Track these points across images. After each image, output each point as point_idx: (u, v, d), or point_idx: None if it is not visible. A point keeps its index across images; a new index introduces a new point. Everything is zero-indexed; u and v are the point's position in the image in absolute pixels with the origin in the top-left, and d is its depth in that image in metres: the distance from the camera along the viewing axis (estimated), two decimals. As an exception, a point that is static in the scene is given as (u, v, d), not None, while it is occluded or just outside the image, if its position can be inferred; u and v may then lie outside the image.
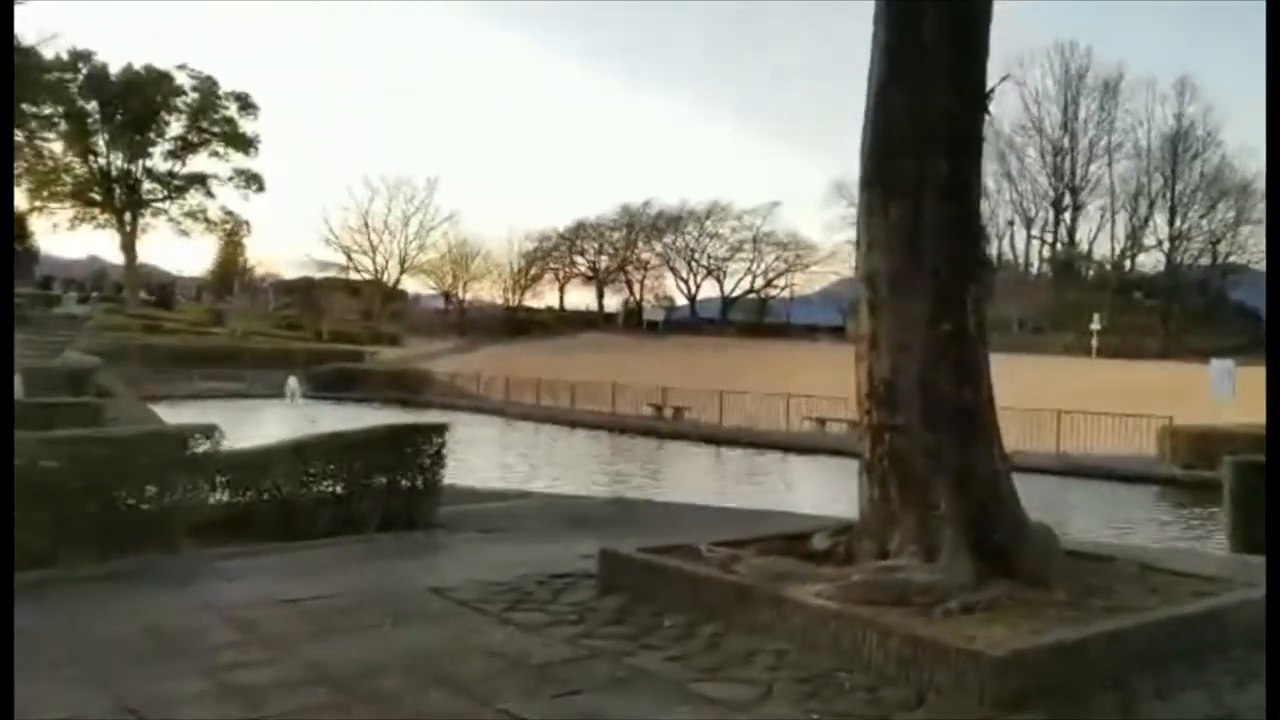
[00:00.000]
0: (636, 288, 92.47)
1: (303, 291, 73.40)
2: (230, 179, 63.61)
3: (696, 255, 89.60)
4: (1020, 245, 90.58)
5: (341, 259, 78.18)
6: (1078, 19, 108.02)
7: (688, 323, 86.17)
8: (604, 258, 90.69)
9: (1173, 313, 76.08)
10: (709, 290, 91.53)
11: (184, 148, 63.30)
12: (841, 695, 5.08)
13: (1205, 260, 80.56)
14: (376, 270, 78.67)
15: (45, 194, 60.67)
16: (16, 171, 57.77)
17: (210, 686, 4.97)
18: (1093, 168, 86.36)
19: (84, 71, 59.02)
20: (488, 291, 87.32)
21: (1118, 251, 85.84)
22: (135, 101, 59.74)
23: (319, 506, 9.31)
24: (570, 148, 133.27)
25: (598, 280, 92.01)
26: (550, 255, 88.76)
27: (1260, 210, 72.45)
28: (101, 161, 61.43)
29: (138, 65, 59.75)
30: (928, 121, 6.68)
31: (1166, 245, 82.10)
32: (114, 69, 59.82)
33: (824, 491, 18.07)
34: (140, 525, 7.96)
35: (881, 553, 6.63)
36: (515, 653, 5.59)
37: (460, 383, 43.52)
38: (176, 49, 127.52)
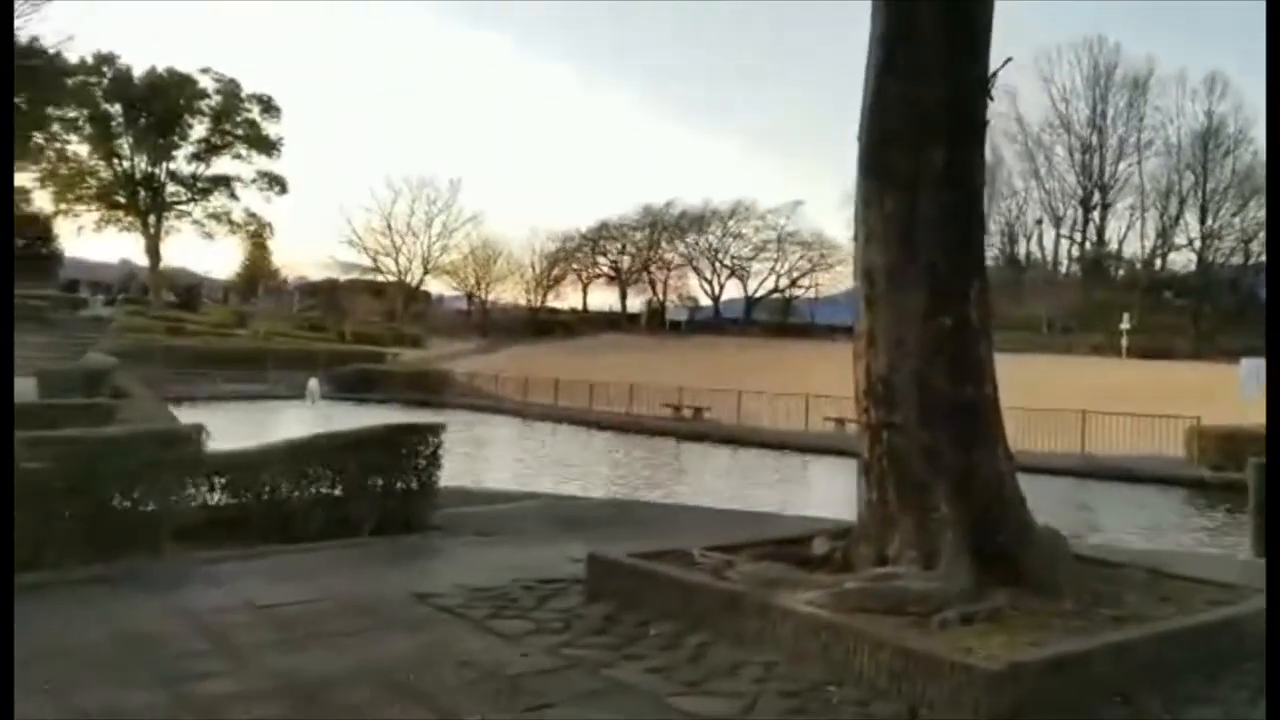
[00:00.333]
0: (659, 288, 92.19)
1: (326, 293, 73.64)
2: (253, 181, 63.97)
3: (720, 255, 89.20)
4: (1049, 244, 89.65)
5: (365, 260, 78.54)
6: (1105, 14, 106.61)
7: (711, 323, 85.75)
8: (627, 258, 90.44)
9: (1204, 312, 74.90)
10: (733, 290, 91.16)
11: (207, 150, 63.65)
12: (829, 710, 4.83)
13: (1237, 259, 79.24)
14: (400, 271, 78.91)
15: (70, 197, 61.18)
16: (41, 175, 58.40)
17: (165, 698, 4.77)
18: (1122, 165, 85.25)
19: (108, 75, 59.47)
20: (510, 292, 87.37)
21: (1148, 250, 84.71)
22: (159, 104, 60.10)
23: (313, 508, 9.11)
24: (589, 149, 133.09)
25: (620, 281, 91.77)
26: (573, 256, 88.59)
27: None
28: (126, 164, 61.86)
29: (160, 68, 60.22)
30: (925, 110, 6.41)
31: (1197, 244, 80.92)
32: (137, 72, 60.34)
33: (838, 494, 17.68)
34: (126, 528, 7.79)
35: (880, 558, 6.36)
36: (491, 663, 5.36)
37: (480, 383, 43.38)
38: (196, 51, 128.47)
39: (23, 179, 57.95)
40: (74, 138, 59.35)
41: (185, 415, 30.41)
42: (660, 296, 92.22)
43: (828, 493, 18.84)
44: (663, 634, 5.91)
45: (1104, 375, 46.74)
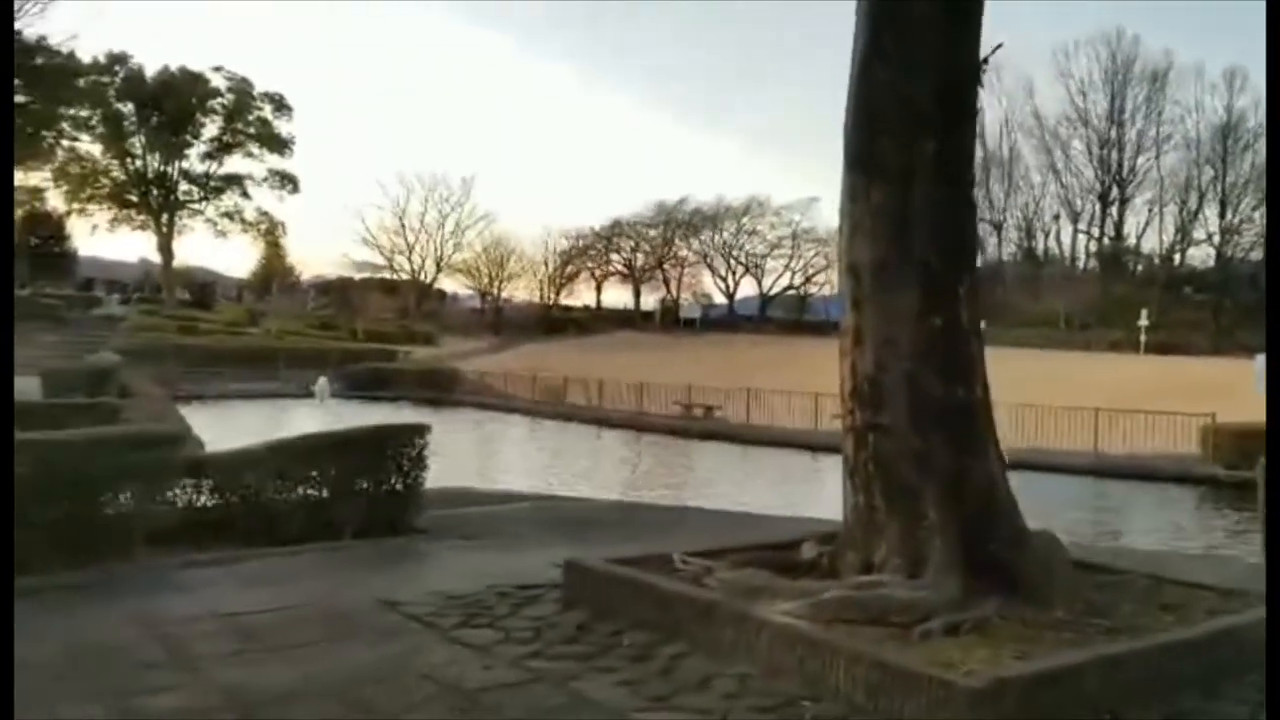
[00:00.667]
0: (673, 285, 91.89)
1: (339, 291, 73.65)
2: (265, 180, 64.02)
3: (734, 252, 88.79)
4: (1066, 240, 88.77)
5: (379, 259, 78.53)
6: (1123, 8, 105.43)
7: (725, 320, 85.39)
8: (640, 255, 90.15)
9: (1224, 307, 74.00)
10: (748, 288, 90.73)
11: (219, 149, 63.73)
12: (801, 728, 4.58)
13: (1257, 254, 78.24)
14: (413, 270, 78.85)
15: (84, 196, 61.38)
16: (54, 174, 58.56)
17: (105, 714, 4.57)
18: (1140, 160, 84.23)
19: (120, 74, 59.62)
20: (524, 290, 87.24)
21: (1166, 245, 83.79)
22: (171, 103, 60.21)
23: (294, 511, 8.93)
24: (601, 146, 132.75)
25: (634, 278, 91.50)
26: (586, 253, 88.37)
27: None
28: (138, 163, 62.01)
29: (172, 67, 60.32)
30: (914, 98, 6.15)
31: (1217, 239, 79.99)
32: (150, 71, 60.45)
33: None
34: (99, 532, 7.61)
35: (866, 565, 6.11)
36: (452, 676, 5.14)
37: (490, 381, 43.20)
38: (207, 50, 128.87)
39: (36, 178, 58.32)
40: (86, 137, 59.58)
41: (194, 414, 30.39)
42: (674, 294, 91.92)
43: (834, 493, 18.53)
44: (636, 644, 5.68)
45: (1122, 371, 46.14)
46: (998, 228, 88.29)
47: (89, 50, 55.17)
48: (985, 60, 6.31)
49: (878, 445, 6.15)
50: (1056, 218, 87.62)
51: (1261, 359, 24.75)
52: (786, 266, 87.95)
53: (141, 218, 63.14)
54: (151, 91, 60.31)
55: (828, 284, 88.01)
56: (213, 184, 64.14)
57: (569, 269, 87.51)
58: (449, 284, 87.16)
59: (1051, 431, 23.31)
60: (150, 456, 7.89)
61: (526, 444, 27.56)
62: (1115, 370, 46.80)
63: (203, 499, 9.34)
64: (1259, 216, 77.12)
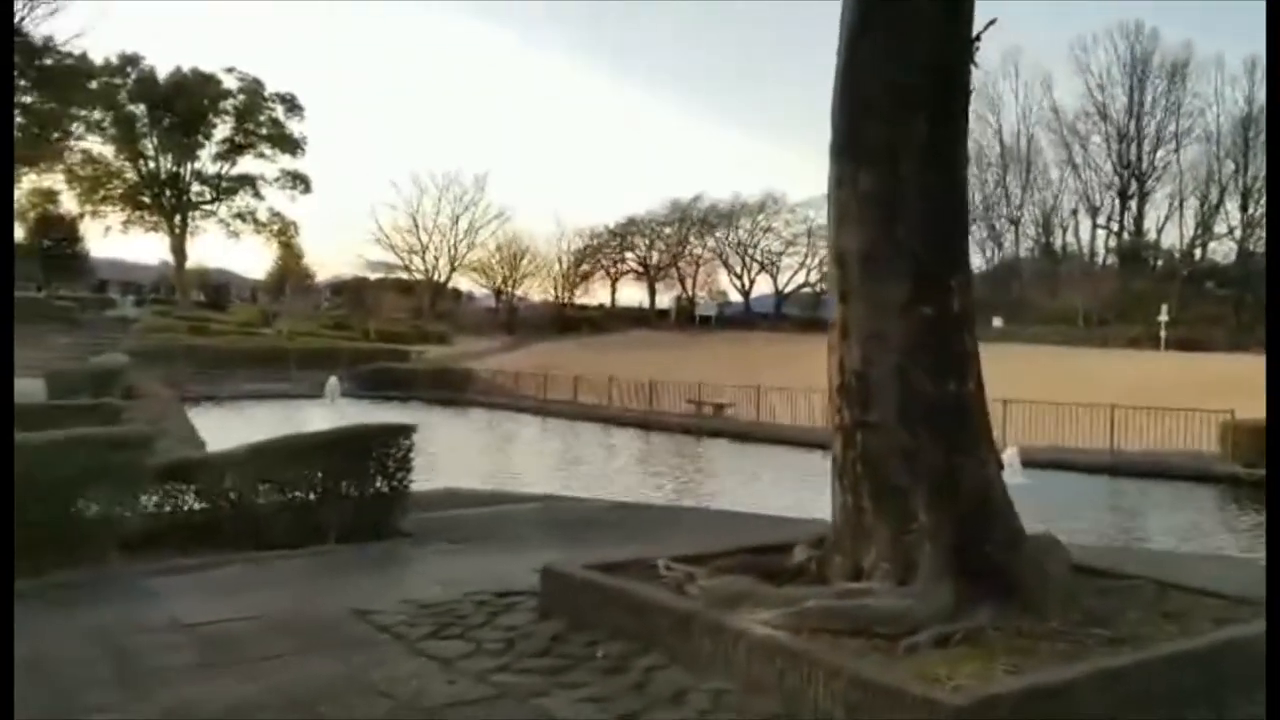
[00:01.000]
0: (689, 283, 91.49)
1: (352, 291, 73.65)
2: (276, 180, 64.04)
3: (749, 249, 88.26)
4: (1085, 235, 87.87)
5: (393, 258, 78.43)
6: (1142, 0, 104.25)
7: (741, 318, 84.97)
8: (655, 253, 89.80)
9: (1246, 303, 72.98)
10: (763, 285, 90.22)
11: (231, 150, 63.76)
12: (775, 748, 4.29)
13: (1280, 247, 77.18)
14: (427, 269, 78.73)
15: (96, 198, 61.54)
16: (66, 175, 58.68)
17: (34, 735, 4.32)
18: (1160, 154, 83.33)
19: (132, 75, 59.74)
20: (538, 289, 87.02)
21: (1187, 240, 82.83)
22: (183, 104, 60.27)
23: (277, 515, 8.71)
24: (614, 144, 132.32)
25: (649, 276, 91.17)
26: (600, 252, 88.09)
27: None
28: (151, 165, 62.13)
29: (184, 68, 60.35)
30: (904, 76, 5.82)
31: (1239, 233, 79.03)
32: (161, 73, 60.45)
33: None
34: (67, 539, 7.40)
35: (855, 570, 5.81)
36: (412, 691, 4.87)
37: (501, 381, 43.00)
38: (218, 51, 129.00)
39: (49, 180, 58.52)
40: (99, 139, 59.74)
41: (204, 415, 30.40)
42: (689, 292, 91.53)
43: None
44: (611, 656, 5.40)
45: (1141, 368, 45.53)
46: (1015, 223, 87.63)
47: (100, 52, 55.36)
48: (977, 38, 5.99)
49: (866, 444, 5.85)
50: (1075, 213, 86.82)
51: (1283, 354, 24.26)
52: (802, 264, 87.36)
53: (154, 219, 63.26)
54: (163, 93, 60.40)
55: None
56: (225, 185, 64.18)
57: (583, 267, 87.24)
58: (464, 283, 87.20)
59: (1068, 429, 22.87)
60: (123, 458, 7.65)
61: (533, 444, 27.34)
62: (1134, 367, 46.18)
63: (188, 502, 9.24)
64: (1281, 209, 75.97)
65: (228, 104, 62.46)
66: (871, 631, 5.00)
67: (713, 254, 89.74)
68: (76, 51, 42.56)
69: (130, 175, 61.89)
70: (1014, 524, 5.82)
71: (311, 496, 8.75)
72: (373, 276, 79.25)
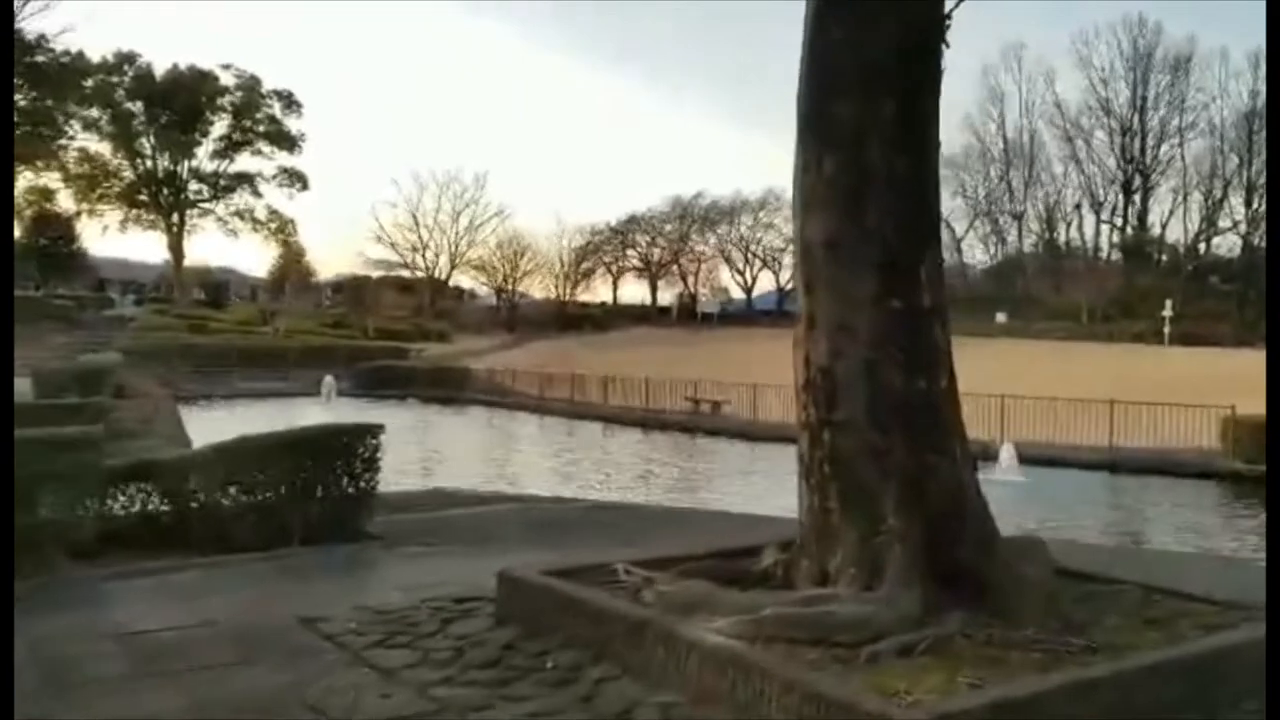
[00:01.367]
0: (690, 281, 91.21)
1: (351, 289, 73.41)
2: (274, 177, 63.73)
3: (751, 246, 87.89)
4: (1089, 230, 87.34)
5: (393, 256, 78.11)
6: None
7: (743, 315, 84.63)
8: (656, 250, 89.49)
9: (1250, 298, 72.51)
10: (765, 282, 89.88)
11: (229, 147, 63.47)
12: (722, 768, 4.02)
13: (1285, 241, 76.66)
14: (427, 267, 78.42)
15: (94, 196, 61.30)
16: (62, 173, 58.41)
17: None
18: (1164, 148, 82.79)
19: (129, 73, 59.46)
20: (540, 287, 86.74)
21: (1191, 235, 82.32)
22: (179, 102, 59.97)
23: (241, 517, 8.46)
24: (615, 141, 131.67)
25: (650, 274, 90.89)
26: (602, 249, 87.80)
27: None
28: (148, 163, 61.87)
29: (181, 65, 60.03)
30: (872, 55, 5.54)
31: (1243, 227, 78.47)
32: (158, 70, 60.15)
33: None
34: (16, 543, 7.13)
35: (821, 575, 5.54)
36: (345, 706, 4.62)
37: (499, 379, 42.74)
38: (214, 47, 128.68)
39: (45, 179, 58.25)
40: (95, 136, 59.45)
41: (198, 414, 30.18)
42: (691, 289, 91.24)
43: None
44: (561, 666, 5.14)
45: (1144, 364, 45.21)
46: (1018, 218, 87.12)
47: (97, 49, 55.04)
48: (949, 16, 5.70)
49: (833, 443, 5.57)
50: (1078, 207, 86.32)
51: (1285, 348, 23.93)
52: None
53: (152, 217, 63.00)
54: (160, 90, 60.08)
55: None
56: (223, 182, 63.89)
57: (584, 265, 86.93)
58: (466, 281, 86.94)
59: (1068, 425, 22.54)
60: (71, 460, 7.39)
61: (526, 443, 27.06)
62: (1137, 362, 45.86)
63: (152, 504, 9.00)
64: (1286, 204, 75.51)
65: (225, 101, 62.13)
66: (832, 640, 4.74)
67: (715, 251, 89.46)
68: (63, 48, 42.37)
69: (127, 173, 61.63)
70: (988, 526, 5.55)
71: (276, 498, 8.49)
72: (374, 274, 79.07)
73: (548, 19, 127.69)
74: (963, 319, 77.15)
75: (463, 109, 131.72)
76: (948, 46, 5.72)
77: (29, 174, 53.06)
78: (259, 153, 63.50)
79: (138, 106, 60.40)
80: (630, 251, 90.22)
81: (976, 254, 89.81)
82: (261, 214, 64.46)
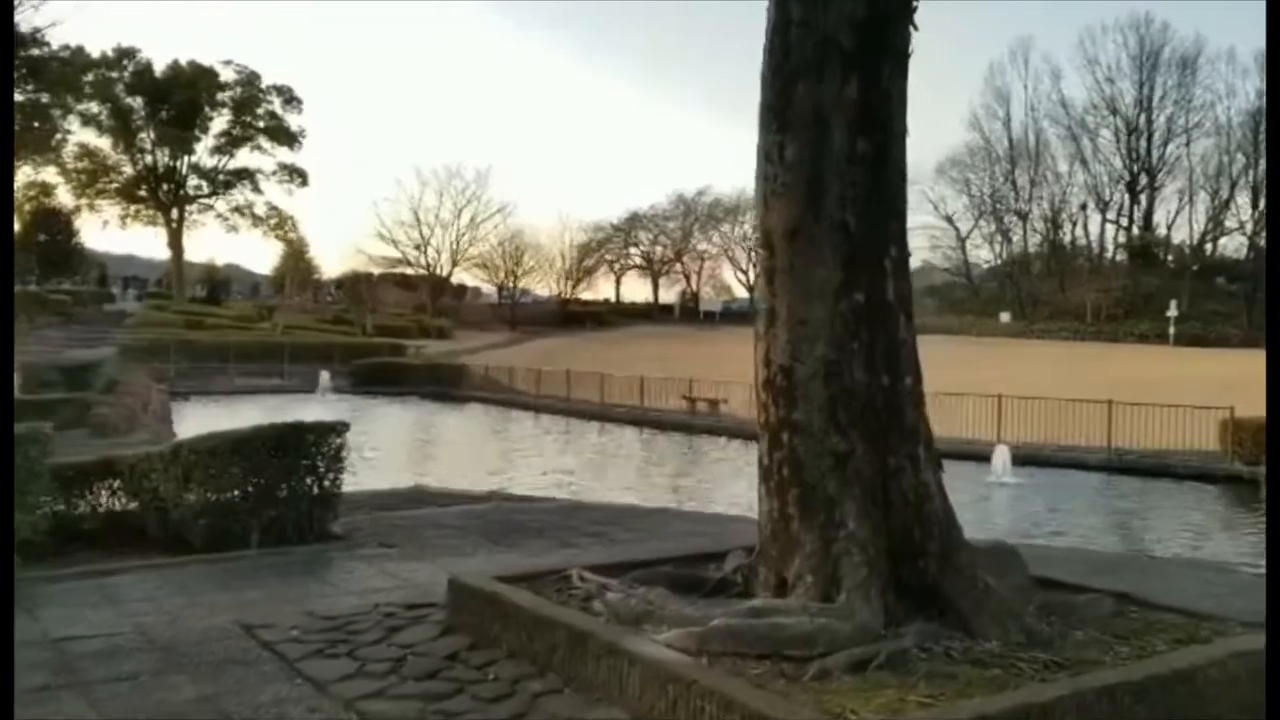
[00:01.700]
0: (693, 279, 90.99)
1: (351, 286, 73.22)
2: (274, 173, 63.50)
3: (755, 245, 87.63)
4: (1094, 230, 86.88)
5: (395, 253, 77.84)
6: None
7: (746, 313, 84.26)
8: (659, 248, 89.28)
9: (1257, 299, 72.05)
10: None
11: (229, 143, 63.26)
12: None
13: (1292, 242, 76.17)
14: (429, 264, 78.18)
15: (93, 191, 61.16)
16: (60, 168, 58.24)
17: None
18: (1170, 148, 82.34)
19: (128, 68, 59.30)
20: (542, 284, 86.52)
21: (1197, 235, 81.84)
22: (179, 97, 59.78)
23: (199, 516, 8.21)
24: (619, 139, 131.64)
25: (653, 271, 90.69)
26: (604, 247, 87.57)
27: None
28: (148, 158, 61.69)
29: (181, 61, 59.78)
30: (834, 33, 5.27)
31: (1250, 228, 78.03)
32: (158, 66, 59.97)
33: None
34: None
35: (780, 583, 5.28)
36: None
37: (497, 376, 42.52)
38: (214, 43, 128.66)
39: (44, 173, 58.14)
40: (94, 131, 59.28)
41: (190, 410, 30.02)
42: (694, 287, 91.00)
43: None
44: (502, 680, 4.89)
45: (1147, 364, 44.87)
46: (1023, 217, 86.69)
47: (97, 45, 54.82)
48: (916, -3, 5.44)
49: (792, 445, 5.31)
50: (1084, 207, 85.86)
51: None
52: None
53: (151, 213, 62.82)
54: (160, 85, 59.92)
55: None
56: (222, 178, 63.69)
57: (587, 262, 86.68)
58: (468, 278, 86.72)
59: (1066, 426, 22.24)
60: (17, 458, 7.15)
61: (516, 440, 26.80)
62: (1140, 363, 45.53)
63: (110, 503, 8.81)
64: (1293, 204, 75.07)
65: (225, 97, 61.92)
66: (782, 654, 4.49)
67: (718, 249, 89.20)
68: (62, 43, 42.18)
69: (127, 169, 61.43)
70: (954, 533, 5.28)
71: (234, 497, 8.25)
72: (377, 271, 78.85)
73: (551, 16, 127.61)
74: (967, 319, 76.96)
75: (465, 105, 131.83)
76: (916, 29, 5.45)
77: (27, 169, 53.03)
78: (259, 148, 63.35)
79: (137, 102, 60.25)
80: (633, 249, 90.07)
81: (981, 254, 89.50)
82: (261, 210, 64.28)
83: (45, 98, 46.60)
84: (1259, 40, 79.08)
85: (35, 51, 38.96)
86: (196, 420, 23.78)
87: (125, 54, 58.70)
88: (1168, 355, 53.89)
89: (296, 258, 78.20)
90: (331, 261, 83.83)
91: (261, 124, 62.50)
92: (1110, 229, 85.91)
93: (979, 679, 4.29)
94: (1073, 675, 4.31)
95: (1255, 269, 74.05)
